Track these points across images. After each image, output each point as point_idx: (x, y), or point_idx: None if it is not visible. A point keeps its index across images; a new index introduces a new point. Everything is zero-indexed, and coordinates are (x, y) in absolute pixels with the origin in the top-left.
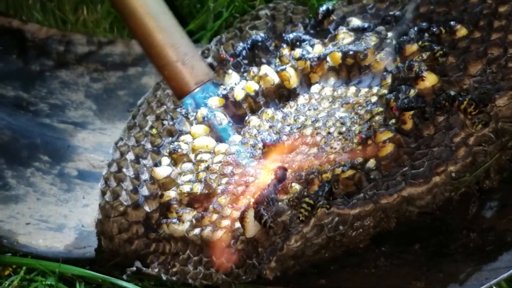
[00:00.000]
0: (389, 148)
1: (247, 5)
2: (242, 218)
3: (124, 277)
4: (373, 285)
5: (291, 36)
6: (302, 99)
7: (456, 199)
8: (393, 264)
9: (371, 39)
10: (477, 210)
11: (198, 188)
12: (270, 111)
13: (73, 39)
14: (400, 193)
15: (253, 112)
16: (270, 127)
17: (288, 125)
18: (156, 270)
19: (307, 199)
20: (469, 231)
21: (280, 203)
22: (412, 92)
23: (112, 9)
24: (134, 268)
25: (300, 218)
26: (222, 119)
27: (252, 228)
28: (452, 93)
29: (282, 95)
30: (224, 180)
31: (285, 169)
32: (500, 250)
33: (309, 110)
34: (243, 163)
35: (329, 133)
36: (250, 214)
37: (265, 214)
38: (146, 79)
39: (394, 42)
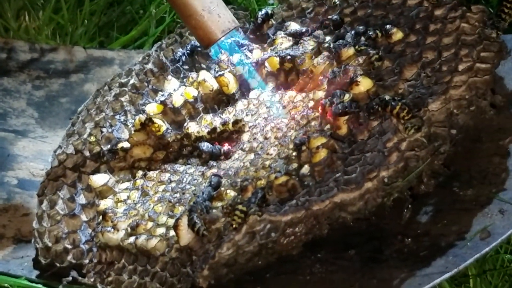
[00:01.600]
0: (323, 154)
1: None
2: (176, 226)
3: (60, 287)
4: None
5: (229, 41)
6: (240, 104)
7: (389, 204)
8: (328, 270)
9: (309, 44)
10: (412, 215)
11: (135, 195)
12: (208, 117)
13: (15, 46)
14: (332, 199)
15: (192, 118)
16: (209, 133)
17: (226, 131)
18: (92, 279)
19: (240, 206)
20: (404, 237)
21: (214, 211)
22: (347, 97)
23: (54, 16)
24: (70, 278)
25: (233, 226)
26: (161, 125)
27: (186, 236)
28: (387, 97)
29: (221, 100)
30: (161, 188)
31: (220, 176)
32: (434, 255)
33: (247, 115)
34: (180, 170)
35: (266, 138)
36: (184, 222)
37: (198, 221)
38: (88, 86)
39: (331, 46)
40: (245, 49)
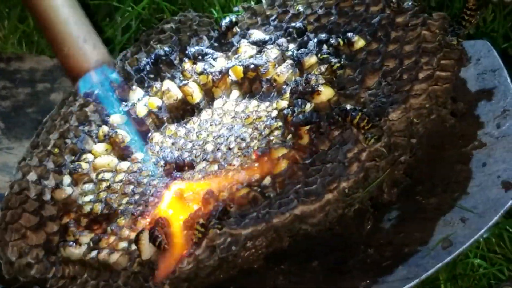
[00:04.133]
0: (283, 164)
1: (155, 18)
2: (137, 240)
3: None
4: None
5: (192, 50)
6: (205, 114)
7: (350, 215)
8: (292, 282)
9: (273, 52)
10: (374, 225)
11: (98, 208)
12: (173, 127)
13: None
14: (292, 211)
15: (157, 128)
16: (173, 143)
17: (190, 142)
18: None
19: (201, 220)
20: (367, 247)
21: (176, 223)
22: (308, 107)
23: (20, 24)
24: None
25: (194, 240)
26: (125, 136)
27: (147, 250)
28: (348, 107)
29: (186, 110)
30: (124, 200)
31: (182, 190)
32: (396, 264)
33: (211, 125)
34: (144, 182)
35: (229, 149)
36: (145, 236)
37: (160, 235)
38: (54, 95)
39: (294, 54)
40: (209, 57)
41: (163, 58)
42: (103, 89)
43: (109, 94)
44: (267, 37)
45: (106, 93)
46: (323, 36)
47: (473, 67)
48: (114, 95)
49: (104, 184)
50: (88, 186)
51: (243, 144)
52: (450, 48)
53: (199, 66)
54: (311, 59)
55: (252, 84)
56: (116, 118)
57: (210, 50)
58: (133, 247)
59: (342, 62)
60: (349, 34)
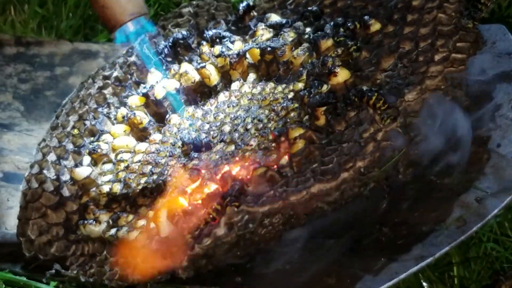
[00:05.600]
0: (300, 144)
1: (173, 3)
2: (155, 218)
3: (44, 280)
4: (286, 282)
5: (210, 33)
6: (222, 96)
7: (366, 194)
8: (306, 260)
9: (289, 35)
10: (389, 204)
11: (117, 188)
12: (190, 109)
13: (1, 40)
14: (309, 189)
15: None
16: (190, 125)
17: (207, 123)
18: (75, 272)
19: (218, 198)
20: (382, 226)
21: (194, 202)
22: (325, 88)
23: (39, 9)
24: (53, 271)
25: (212, 217)
26: (143, 118)
27: (165, 227)
28: (364, 88)
29: (203, 92)
30: (143, 180)
31: (199, 169)
32: (411, 244)
33: (229, 107)
34: (162, 162)
35: (246, 130)
36: (163, 214)
37: (177, 213)
38: (73, 79)
39: (310, 37)
40: (227, 40)
41: (181, 41)
42: (139, 41)
43: (145, 46)
44: (284, 21)
45: (142, 45)
46: (339, 19)
47: (488, 50)
48: (150, 47)
49: (123, 165)
50: (107, 166)
51: (260, 125)
52: (465, 31)
53: (217, 48)
54: (328, 42)
55: (269, 66)
56: (134, 100)
57: (227, 34)
58: (152, 224)
59: (358, 44)
60: (365, 17)
